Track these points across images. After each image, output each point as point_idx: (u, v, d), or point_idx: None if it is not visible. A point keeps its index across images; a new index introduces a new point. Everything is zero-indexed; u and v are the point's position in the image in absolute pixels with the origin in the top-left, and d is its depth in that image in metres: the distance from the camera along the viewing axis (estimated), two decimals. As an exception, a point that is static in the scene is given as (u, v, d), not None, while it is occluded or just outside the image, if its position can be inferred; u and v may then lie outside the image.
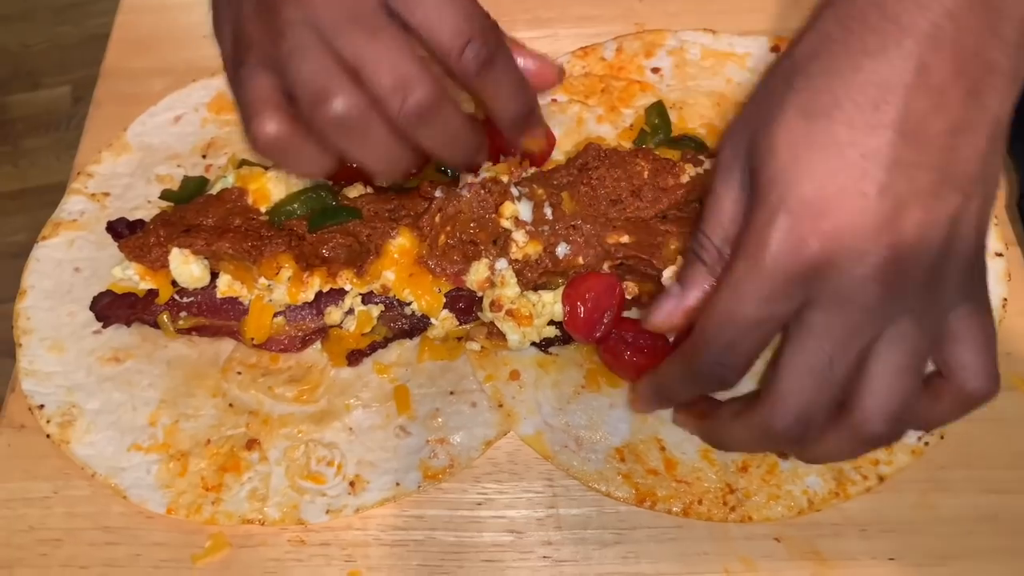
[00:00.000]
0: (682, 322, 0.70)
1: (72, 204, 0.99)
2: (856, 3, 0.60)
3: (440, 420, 0.85)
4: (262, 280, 0.86)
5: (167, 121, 1.05)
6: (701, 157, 0.92)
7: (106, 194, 0.99)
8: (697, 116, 1.02)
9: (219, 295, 0.87)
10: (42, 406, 0.86)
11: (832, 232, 0.57)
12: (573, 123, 1.03)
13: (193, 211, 0.89)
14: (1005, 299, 0.88)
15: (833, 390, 0.62)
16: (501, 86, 0.74)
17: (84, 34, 3.26)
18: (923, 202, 0.57)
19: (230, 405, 0.86)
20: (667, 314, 0.70)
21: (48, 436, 0.84)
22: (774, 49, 1.06)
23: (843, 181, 0.57)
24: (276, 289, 0.85)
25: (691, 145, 0.97)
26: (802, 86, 0.60)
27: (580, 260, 0.86)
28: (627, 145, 0.99)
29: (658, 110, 1.00)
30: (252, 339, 0.87)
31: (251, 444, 0.84)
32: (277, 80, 0.68)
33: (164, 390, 0.87)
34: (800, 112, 0.60)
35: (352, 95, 0.66)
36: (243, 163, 0.96)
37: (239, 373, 0.88)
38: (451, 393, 0.87)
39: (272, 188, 0.89)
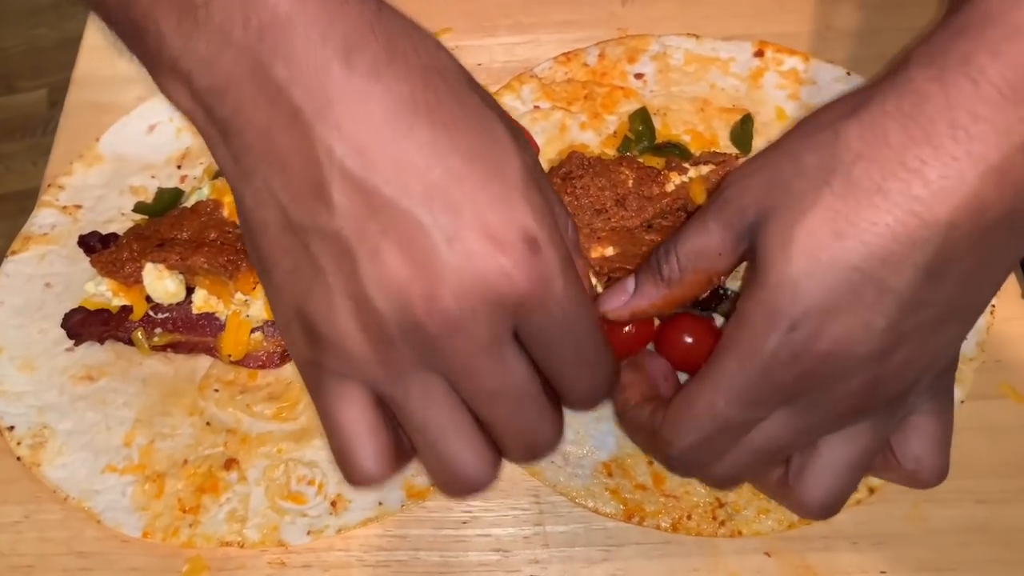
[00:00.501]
0: (629, 319, 0.69)
1: (43, 217, 0.96)
2: (925, 105, 0.52)
3: (423, 436, 0.83)
4: (239, 295, 0.83)
5: (141, 131, 1.02)
6: (686, 165, 0.90)
7: (78, 206, 0.97)
8: (681, 122, 1.00)
9: (195, 311, 0.85)
10: (12, 427, 0.83)
11: (828, 354, 0.55)
12: (556, 130, 1.01)
13: (167, 224, 0.87)
14: (993, 305, 0.87)
15: (776, 463, 0.64)
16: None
17: (61, 37, 3.22)
18: (922, 336, 0.55)
19: (208, 424, 0.84)
20: (615, 308, 0.69)
21: (19, 459, 0.82)
22: (758, 54, 1.05)
23: (854, 310, 0.54)
24: (253, 305, 0.83)
25: (675, 152, 0.96)
26: (840, 191, 0.54)
27: (565, 271, 0.84)
28: (611, 153, 0.98)
29: (642, 116, 0.98)
30: (229, 356, 0.85)
31: (229, 464, 0.82)
32: (369, 393, 0.56)
33: (139, 409, 0.85)
34: (831, 225, 0.54)
35: (479, 455, 0.57)
36: (218, 174, 0.93)
37: (216, 391, 0.86)
38: (434, 408, 0.85)
39: (248, 200, 0.87)
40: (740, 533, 0.79)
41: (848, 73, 1.02)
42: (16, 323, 0.89)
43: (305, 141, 0.51)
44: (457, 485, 0.57)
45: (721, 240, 0.62)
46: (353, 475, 0.57)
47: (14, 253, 0.93)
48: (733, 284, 0.84)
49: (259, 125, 0.52)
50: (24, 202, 2.96)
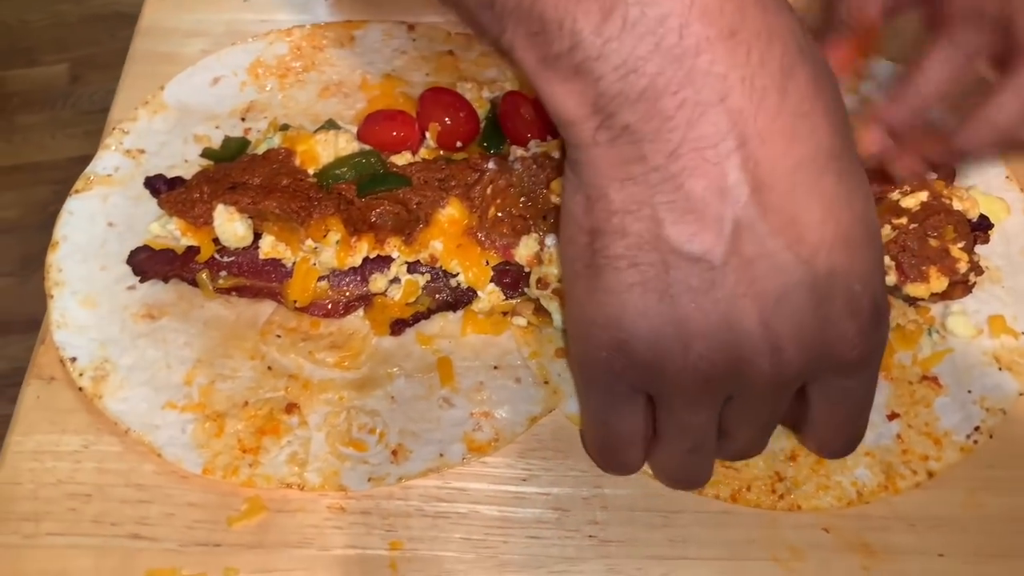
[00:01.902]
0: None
1: (106, 159, 0.96)
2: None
3: (484, 394, 0.83)
4: (308, 242, 0.83)
5: (205, 82, 1.03)
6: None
7: (141, 151, 0.97)
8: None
9: (262, 256, 0.85)
10: (75, 359, 0.83)
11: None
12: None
13: (238, 169, 0.87)
14: (1052, 302, 0.88)
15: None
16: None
17: (85, 13, 3.23)
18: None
19: (269, 368, 0.84)
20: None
21: (81, 389, 0.81)
22: (822, 47, 1.06)
23: None
24: (323, 252, 0.83)
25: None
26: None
27: (632, 239, 0.84)
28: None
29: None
30: (295, 302, 0.85)
31: (290, 408, 0.82)
32: (649, 405, 0.65)
33: (200, 350, 0.85)
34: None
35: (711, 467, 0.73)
36: (284, 127, 0.94)
37: (278, 336, 0.86)
38: (495, 368, 0.85)
39: (321, 151, 0.88)
40: (799, 507, 0.79)
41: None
42: (78, 259, 0.89)
43: (716, 169, 0.51)
44: (684, 484, 0.75)
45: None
46: (618, 469, 0.73)
47: (77, 192, 0.93)
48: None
49: (668, 142, 0.51)
50: (40, 173, 2.96)
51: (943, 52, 0.76)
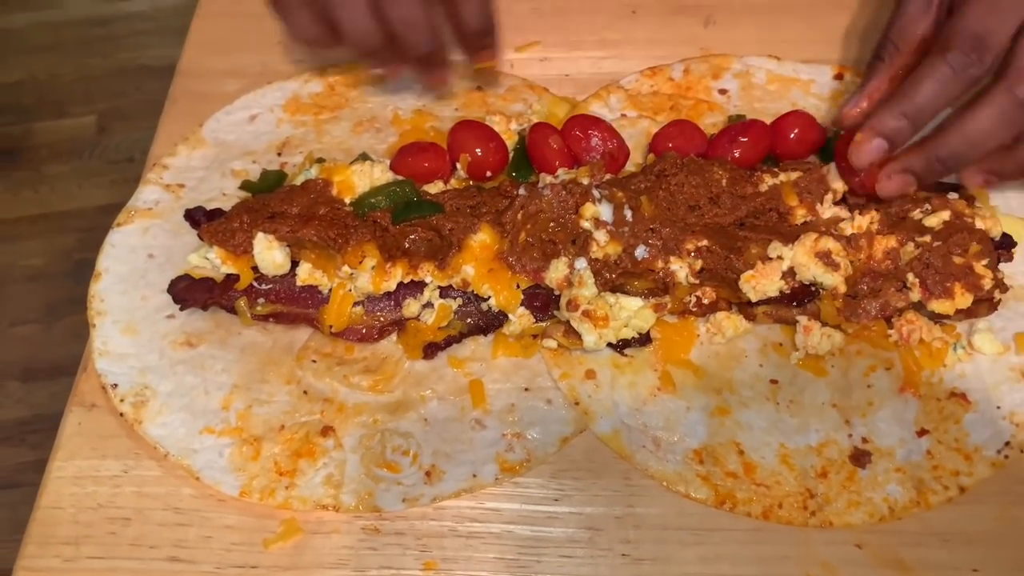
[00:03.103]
0: (862, 114, 0.88)
1: (147, 193, 0.99)
2: None
3: (516, 415, 0.85)
4: (345, 269, 0.86)
5: (243, 119, 1.07)
6: (776, 169, 0.93)
7: (181, 185, 1.00)
8: (766, 135, 1.03)
9: (299, 283, 0.87)
10: (116, 385, 0.85)
11: None
12: (643, 137, 1.04)
13: (277, 200, 0.90)
14: (1078, 319, 0.89)
15: None
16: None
17: (113, 66, 3.32)
18: None
19: (304, 392, 0.86)
20: (854, 103, 0.89)
21: (122, 415, 0.83)
22: (837, 76, 1.09)
23: None
24: (359, 278, 0.85)
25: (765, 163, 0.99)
26: None
27: (659, 263, 0.86)
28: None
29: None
30: (331, 327, 0.87)
31: (326, 431, 0.83)
32: None
33: (237, 375, 0.87)
34: None
35: None
36: (319, 160, 0.97)
37: (314, 361, 0.88)
38: (526, 390, 0.87)
39: (356, 180, 0.90)
40: (831, 524, 0.79)
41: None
42: (119, 289, 0.92)
43: None
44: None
45: (921, 10, 0.85)
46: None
47: (119, 225, 0.96)
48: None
49: None
50: (66, 222, 3.01)
51: (939, 71, 0.82)
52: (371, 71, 0.98)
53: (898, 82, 0.89)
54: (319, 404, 0.85)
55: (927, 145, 0.85)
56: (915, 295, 0.85)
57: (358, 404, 0.85)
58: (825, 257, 0.85)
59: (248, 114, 1.07)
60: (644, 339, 0.88)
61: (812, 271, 0.85)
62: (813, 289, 0.86)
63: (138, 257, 0.94)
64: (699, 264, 0.86)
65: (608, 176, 0.93)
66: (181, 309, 0.89)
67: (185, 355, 0.88)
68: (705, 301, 0.88)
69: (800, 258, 0.85)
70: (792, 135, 0.96)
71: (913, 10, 0.87)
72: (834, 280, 0.85)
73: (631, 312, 0.86)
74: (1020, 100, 0.80)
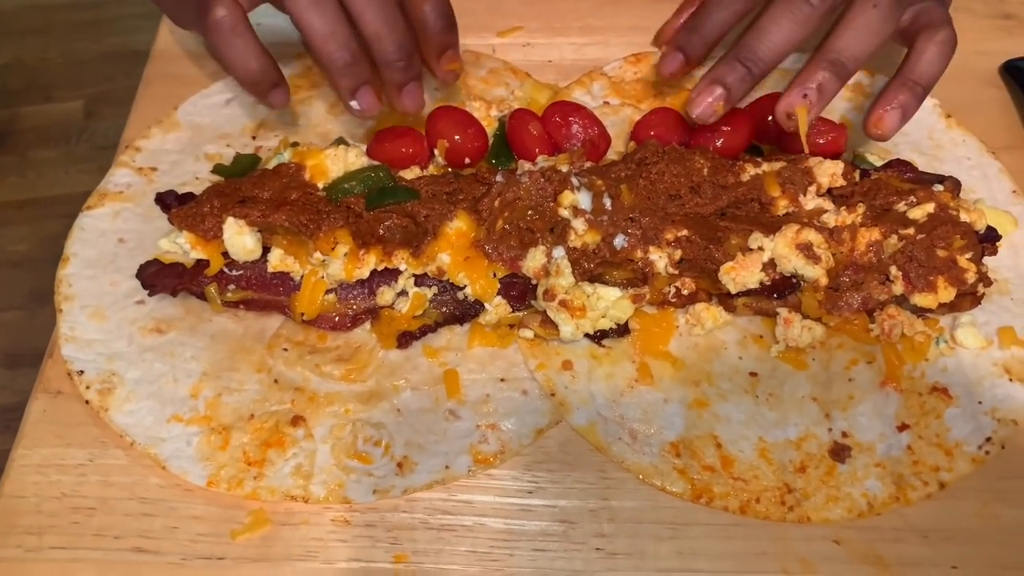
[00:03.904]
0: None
1: (119, 176, 0.97)
2: None
3: (490, 406, 0.83)
4: (317, 255, 0.84)
5: (218, 103, 1.04)
6: (759, 159, 0.92)
7: (153, 169, 0.98)
8: (751, 123, 1.01)
9: (270, 269, 0.86)
10: (82, 372, 0.83)
11: None
12: (625, 125, 1.03)
13: (249, 184, 0.88)
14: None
15: None
16: None
17: (101, 51, 3.28)
18: None
19: (275, 381, 0.84)
20: (706, 107, 0.88)
21: (87, 402, 0.81)
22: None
23: None
24: (331, 265, 0.84)
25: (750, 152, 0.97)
26: None
27: (638, 252, 0.85)
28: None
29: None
30: (302, 314, 0.85)
31: (296, 421, 0.81)
32: None
33: (207, 363, 0.85)
34: None
35: None
36: (294, 144, 0.95)
37: (285, 350, 0.86)
38: (501, 380, 0.85)
39: (330, 165, 0.89)
40: (809, 519, 0.78)
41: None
42: (88, 274, 0.90)
43: None
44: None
45: None
46: (210, 18, 0.84)
47: (89, 208, 0.94)
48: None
49: None
50: (52, 207, 2.97)
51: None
52: (346, 104, 0.91)
53: None
54: (290, 393, 0.83)
55: (730, 54, 0.89)
56: (898, 288, 0.84)
57: (330, 394, 0.83)
58: (806, 249, 0.83)
59: (224, 98, 1.05)
60: (622, 330, 0.86)
61: (793, 263, 0.83)
62: (794, 281, 0.85)
63: (108, 241, 0.92)
64: (679, 254, 0.85)
65: (588, 164, 0.91)
66: (150, 295, 0.87)
67: (154, 341, 0.86)
68: (684, 292, 0.87)
69: (781, 250, 0.83)
70: (770, 119, 0.94)
71: None
72: (815, 272, 0.83)
73: (609, 302, 0.85)
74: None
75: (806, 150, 0.87)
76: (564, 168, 0.88)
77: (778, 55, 0.88)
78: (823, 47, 0.87)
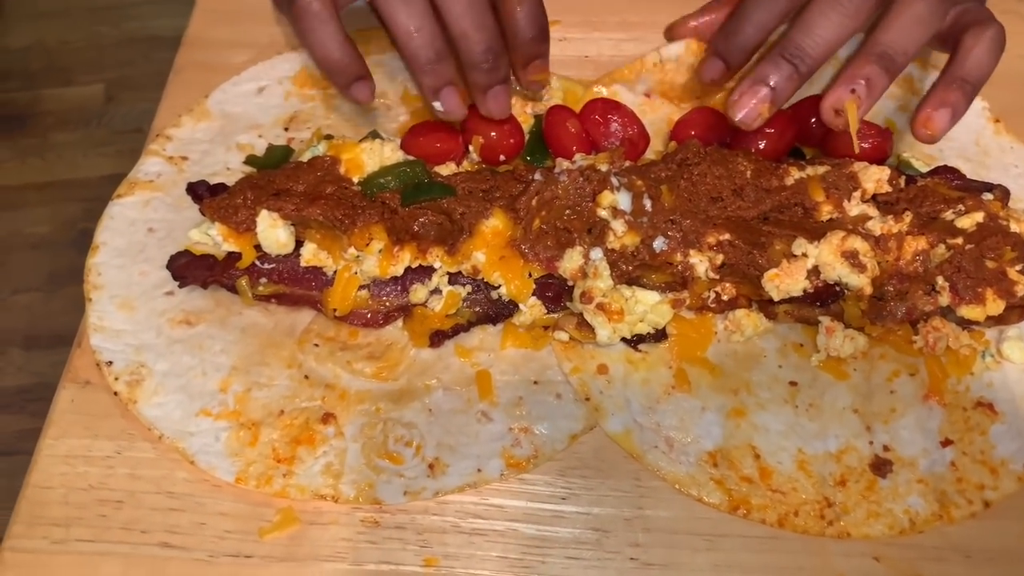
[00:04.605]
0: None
1: (149, 165, 0.96)
2: None
3: (523, 409, 0.82)
4: (351, 251, 0.82)
5: (250, 91, 1.03)
6: (803, 163, 0.89)
7: (184, 158, 0.97)
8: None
9: (303, 263, 0.84)
10: (110, 363, 0.82)
11: None
12: (663, 124, 1.00)
13: (283, 176, 0.86)
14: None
15: None
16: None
17: (122, 35, 3.28)
18: None
19: (305, 377, 0.83)
20: (751, 110, 0.85)
21: (116, 394, 0.80)
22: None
23: None
24: (366, 260, 0.82)
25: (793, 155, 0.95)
26: None
27: (678, 256, 0.83)
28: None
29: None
30: (335, 310, 0.83)
31: (327, 418, 0.80)
32: None
33: (237, 357, 0.83)
34: None
35: None
36: (328, 137, 0.93)
37: (316, 345, 0.84)
38: (535, 383, 0.83)
39: (366, 159, 0.87)
40: (848, 535, 0.76)
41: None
42: (117, 263, 0.89)
43: None
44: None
45: None
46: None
47: (119, 197, 0.93)
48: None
49: None
50: (71, 191, 2.97)
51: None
52: (429, 105, 0.89)
53: None
54: (320, 390, 0.82)
55: (775, 51, 0.86)
56: (944, 299, 0.82)
57: (360, 391, 0.82)
58: (852, 257, 0.81)
59: (256, 86, 1.03)
60: (659, 335, 0.85)
61: (838, 271, 0.81)
62: (838, 289, 0.83)
63: (137, 231, 0.91)
64: (720, 259, 0.83)
65: (627, 163, 0.89)
66: (180, 286, 0.86)
67: (183, 334, 0.85)
68: (724, 297, 0.85)
69: (826, 257, 0.81)
70: (813, 120, 0.92)
71: None
72: (860, 281, 0.81)
73: (647, 306, 0.83)
74: None
75: (855, 148, 0.84)
76: (603, 167, 0.86)
77: (826, 50, 0.85)
78: (869, 41, 0.84)
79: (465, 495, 0.77)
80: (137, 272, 0.88)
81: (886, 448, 0.80)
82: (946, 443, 0.80)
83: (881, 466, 0.79)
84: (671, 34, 1.05)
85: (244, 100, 1.02)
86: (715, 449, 0.80)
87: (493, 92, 0.88)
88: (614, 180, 0.84)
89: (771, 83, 0.85)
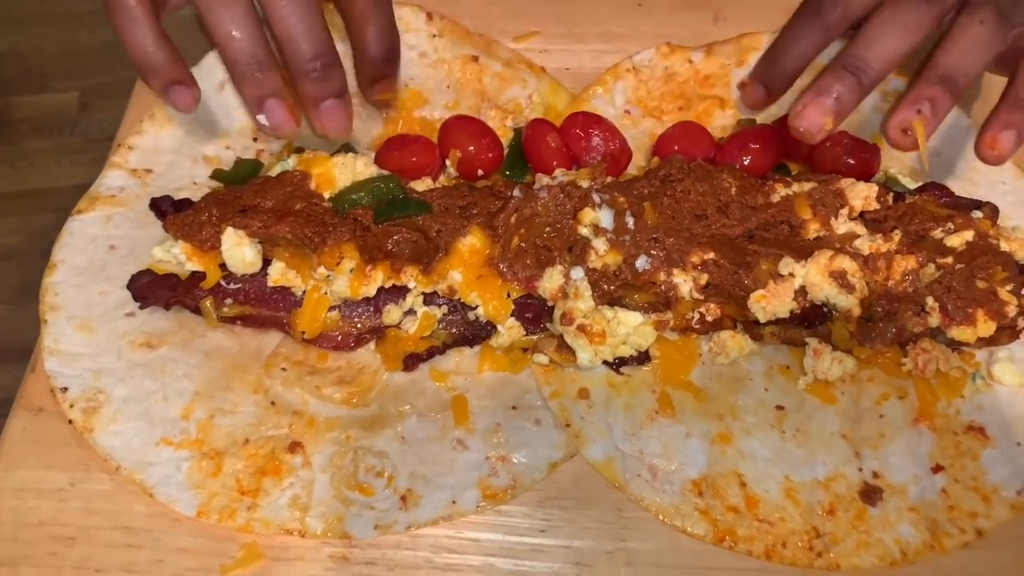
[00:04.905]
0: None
1: (112, 179, 0.92)
2: None
3: (501, 436, 0.78)
4: (320, 270, 0.79)
5: (212, 87, 0.94)
6: (789, 179, 0.87)
7: (148, 171, 0.93)
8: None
9: (270, 283, 0.80)
10: (66, 389, 0.78)
11: None
12: (645, 138, 0.98)
13: (250, 192, 0.83)
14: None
15: None
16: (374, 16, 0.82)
17: (98, 42, 3.22)
18: None
19: (272, 403, 0.79)
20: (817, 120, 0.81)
21: (70, 422, 0.76)
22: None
23: None
24: (336, 280, 0.79)
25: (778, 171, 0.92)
26: None
27: (661, 275, 0.80)
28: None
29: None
30: (303, 333, 0.80)
31: (294, 447, 0.76)
32: None
33: (200, 382, 0.80)
34: None
35: None
36: (299, 150, 0.90)
37: (283, 369, 0.81)
38: (513, 408, 0.80)
39: (337, 174, 0.83)
40: (838, 567, 0.73)
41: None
42: (76, 282, 0.84)
43: None
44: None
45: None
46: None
47: (80, 212, 0.89)
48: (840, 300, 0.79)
49: None
50: (44, 200, 2.91)
51: (809, 29, 0.87)
52: (253, 119, 0.83)
53: None
54: (287, 417, 0.78)
55: (836, 63, 0.83)
56: (934, 320, 0.79)
57: (330, 418, 0.78)
58: (840, 278, 0.78)
59: (216, 80, 0.96)
60: (642, 357, 0.82)
61: (825, 291, 0.79)
62: (825, 311, 0.80)
63: (99, 248, 0.87)
64: (705, 279, 0.80)
65: (609, 179, 0.86)
66: (141, 307, 0.82)
67: (144, 357, 0.81)
68: (709, 318, 0.82)
69: (813, 277, 0.79)
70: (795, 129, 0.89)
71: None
72: (849, 302, 0.79)
73: (630, 328, 0.80)
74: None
75: (925, 167, 0.83)
76: (585, 183, 0.83)
77: (888, 63, 0.82)
78: (931, 64, 0.82)
79: (439, 528, 0.74)
80: (97, 292, 0.84)
81: (876, 475, 0.78)
82: (937, 469, 0.78)
83: (871, 494, 0.77)
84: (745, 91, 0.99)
85: (206, 97, 0.96)
86: (700, 477, 0.77)
87: (326, 106, 0.83)
88: (595, 197, 0.82)
89: (835, 95, 0.81)
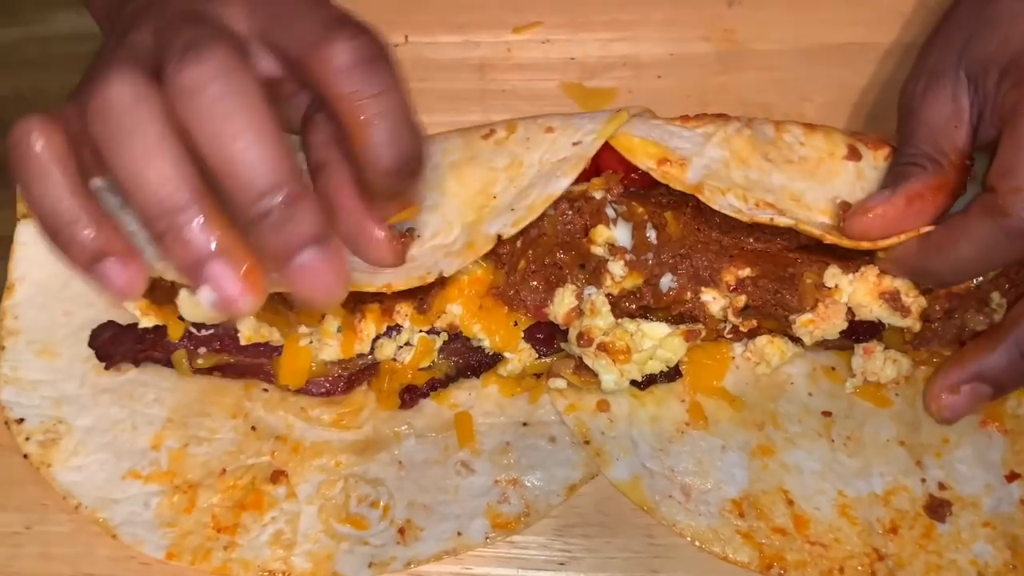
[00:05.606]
0: (883, 228, 0.66)
1: (79, 192, 0.84)
2: None
3: (511, 457, 0.71)
4: (302, 329, 0.70)
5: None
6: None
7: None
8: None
9: (243, 342, 0.72)
10: (22, 420, 0.71)
11: None
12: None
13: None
14: None
15: None
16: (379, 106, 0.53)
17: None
18: None
19: (252, 428, 0.72)
20: (876, 216, 0.65)
21: (26, 456, 0.69)
22: (850, 156, 0.88)
23: None
24: (324, 348, 0.70)
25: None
26: None
27: (688, 294, 0.71)
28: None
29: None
30: (288, 386, 0.72)
31: (277, 476, 0.69)
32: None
33: (172, 407, 0.73)
34: None
35: None
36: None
37: (265, 390, 0.74)
38: (524, 424, 0.72)
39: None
40: (906, 595, 0.64)
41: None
42: (39, 302, 0.77)
43: None
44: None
45: (946, 111, 0.67)
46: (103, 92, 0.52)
47: (27, 216, 0.81)
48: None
49: None
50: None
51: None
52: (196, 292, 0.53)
53: (934, 199, 0.66)
54: (270, 443, 0.71)
55: (1010, 342, 0.67)
56: (1000, 316, 0.70)
57: (317, 443, 0.71)
58: (892, 300, 0.69)
59: None
60: (673, 373, 0.73)
61: (875, 313, 0.70)
62: (877, 321, 0.71)
63: (58, 262, 0.79)
64: (743, 300, 0.70)
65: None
66: (107, 368, 0.73)
67: (111, 381, 0.73)
68: (743, 329, 0.73)
69: (861, 298, 0.69)
70: None
71: (940, 119, 0.67)
72: (905, 323, 0.70)
73: (656, 341, 0.70)
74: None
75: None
76: (597, 195, 0.73)
77: None
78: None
79: (443, 564, 0.67)
80: (61, 312, 0.77)
81: (942, 486, 0.69)
82: (1012, 477, 0.69)
83: (938, 508, 0.68)
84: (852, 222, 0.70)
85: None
86: (740, 496, 0.69)
87: (302, 262, 0.51)
88: (610, 211, 0.72)
89: (998, 384, 0.68)
